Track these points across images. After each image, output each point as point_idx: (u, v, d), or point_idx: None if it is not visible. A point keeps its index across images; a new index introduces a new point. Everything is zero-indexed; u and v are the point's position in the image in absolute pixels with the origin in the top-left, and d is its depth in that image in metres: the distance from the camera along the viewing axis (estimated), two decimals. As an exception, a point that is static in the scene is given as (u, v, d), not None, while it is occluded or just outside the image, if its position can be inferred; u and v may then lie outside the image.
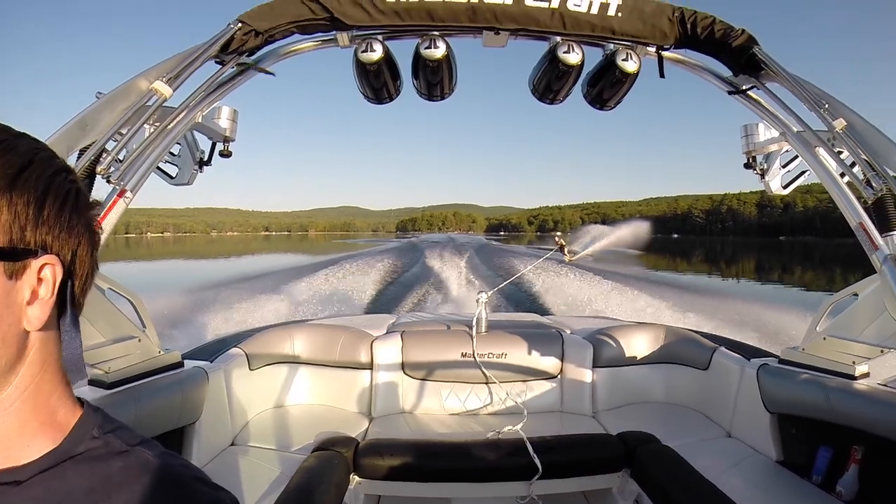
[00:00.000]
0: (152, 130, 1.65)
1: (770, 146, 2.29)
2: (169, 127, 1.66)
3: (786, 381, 1.98)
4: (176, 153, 2.14)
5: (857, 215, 1.69)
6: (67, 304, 0.43)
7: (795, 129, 1.88)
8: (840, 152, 1.75)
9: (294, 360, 2.63)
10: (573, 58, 1.83)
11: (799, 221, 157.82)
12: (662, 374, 2.68)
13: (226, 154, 2.19)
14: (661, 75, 1.97)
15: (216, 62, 1.77)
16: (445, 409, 2.60)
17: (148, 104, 1.60)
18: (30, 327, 0.40)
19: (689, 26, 1.86)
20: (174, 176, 2.17)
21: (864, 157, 1.63)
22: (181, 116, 1.69)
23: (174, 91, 1.63)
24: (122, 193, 1.54)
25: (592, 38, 1.88)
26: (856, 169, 1.69)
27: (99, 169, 1.48)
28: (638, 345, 2.70)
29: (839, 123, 1.68)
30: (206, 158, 2.19)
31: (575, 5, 1.79)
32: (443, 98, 2.10)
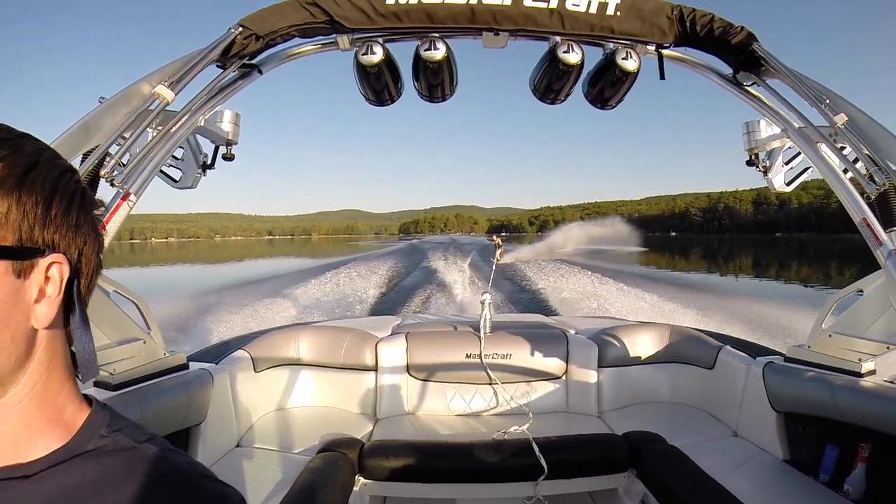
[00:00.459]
0: (155, 134, 1.66)
1: (772, 143, 2.28)
2: (171, 131, 1.67)
3: (792, 379, 1.97)
4: (179, 157, 2.16)
5: (860, 211, 1.68)
6: (75, 302, 0.44)
7: (797, 125, 1.87)
8: (842, 148, 1.74)
9: (299, 363, 2.64)
10: (573, 57, 1.83)
11: (794, 218, 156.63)
12: (668, 373, 2.67)
13: (228, 157, 2.20)
14: (662, 76, 1.95)
15: (217, 66, 1.78)
16: (450, 410, 2.60)
17: (150, 108, 1.61)
18: (38, 325, 0.41)
19: (687, 24, 1.85)
20: (178, 179, 2.18)
21: (866, 151, 1.62)
22: (183, 120, 1.70)
23: (176, 95, 1.64)
24: (125, 196, 1.55)
25: (592, 38, 1.88)
26: (858, 164, 1.68)
27: (103, 172, 1.49)
28: (643, 344, 2.69)
29: (840, 119, 1.67)
30: (209, 162, 2.21)
31: (574, 5, 1.79)
32: (444, 99, 2.10)
